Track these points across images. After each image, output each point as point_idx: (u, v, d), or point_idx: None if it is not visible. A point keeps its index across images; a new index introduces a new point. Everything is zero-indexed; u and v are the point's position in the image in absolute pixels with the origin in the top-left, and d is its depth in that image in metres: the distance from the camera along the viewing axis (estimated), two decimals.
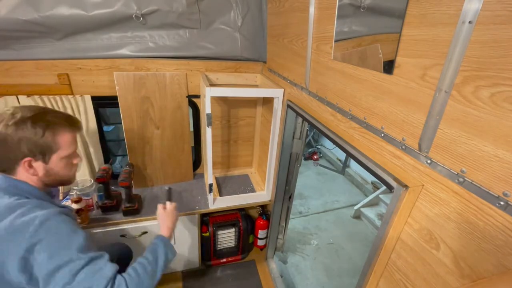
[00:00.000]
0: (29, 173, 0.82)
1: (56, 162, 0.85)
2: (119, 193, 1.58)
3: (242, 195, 1.79)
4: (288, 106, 1.34)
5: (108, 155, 1.75)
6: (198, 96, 1.71)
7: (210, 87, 1.29)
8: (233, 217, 1.82)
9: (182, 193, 1.74)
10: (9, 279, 0.71)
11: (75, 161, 0.92)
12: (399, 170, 0.70)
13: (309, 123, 1.14)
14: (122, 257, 1.21)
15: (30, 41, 1.34)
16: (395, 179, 0.68)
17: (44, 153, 0.82)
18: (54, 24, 1.30)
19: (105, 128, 1.93)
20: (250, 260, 1.97)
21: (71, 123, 0.88)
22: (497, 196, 0.48)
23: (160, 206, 1.22)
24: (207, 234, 1.74)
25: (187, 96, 1.66)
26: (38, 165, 0.83)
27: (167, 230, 1.12)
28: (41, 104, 1.41)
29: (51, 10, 1.26)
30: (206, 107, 1.32)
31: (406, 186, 0.64)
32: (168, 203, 1.24)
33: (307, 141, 3.72)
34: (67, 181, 0.93)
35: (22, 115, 0.78)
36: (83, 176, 1.63)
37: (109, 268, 0.77)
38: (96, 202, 1.52)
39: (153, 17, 1.41)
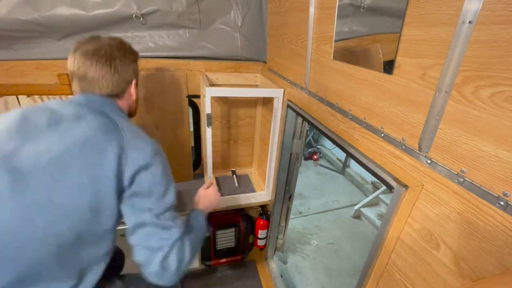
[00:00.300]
0: (131, 97, 0.89)
1: (136, 90, 0.93)
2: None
3: (242, 195, 1.79)
4: (288, 106, 1.34)
5: None
6: (198, 96, 1.71)
7: (210, 87, 1.29)
8: (233, 217, 1.82)
9: (182, 193, 1.74)
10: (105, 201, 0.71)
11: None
12: (399, 170, 0.70)
13: (309, 123, 1.14)
14: (114, 262, 1.14)
15: (30, 41, 1.34)
16: (395, 179, 0.68)
17: (138, 77, 0.92)
18: (54, 24, 1.30)
19: None
20: (250, 260, 1.97)
21: None
22: (497, 196, 0.48)
23: (201, 188, 1.18)
24: (207, 234, 1.74)
25: (187, 96, 1.66)
26: (134, 89, 0.90)
27: (205, 208, 1.07)
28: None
29: (51, 10, 1.26)
30: (206, 107, 1.32)
31: (406, 186, 0.64)
32: (211, 183, 1.19)
33: (307, 141, 3.72)
34: (134, 113, 0.98)
35: (120, 41, 0.87)
36: None
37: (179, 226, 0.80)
38: None
39: (153, 17, 1.41)
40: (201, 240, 0.95)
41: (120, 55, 0.83)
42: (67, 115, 0.73)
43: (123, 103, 0.88)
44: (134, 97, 0.91)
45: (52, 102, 0.79)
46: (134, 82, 0.89)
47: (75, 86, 0.82)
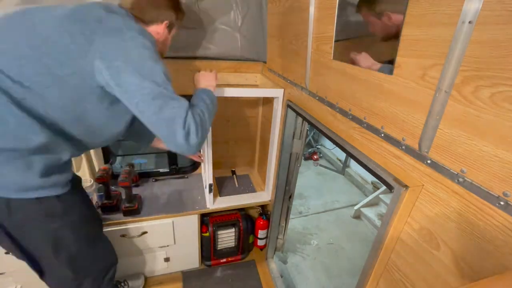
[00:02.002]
0: (158, 33, 1.01)
1: (171, 37, 1.10)
2: (119, 193, 1.58)
3: (242, 195, 1.79)
4: (288, 106, 1.34)
5: (108, 155, 1.75)
6: None
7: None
8: (233, 217, 1.82)
9: (182, 193, 1.74)
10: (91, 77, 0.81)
11: (168, 43, 1.12)
12: (399, 170, 0.70)
13: (309, 123, 1.14)
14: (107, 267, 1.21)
15: None
16: (395, 179, 0.68)
17: (173, 25, 1.06)
18: None
19: None
20: (250, 260, 1.97)
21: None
22: (497, 196, 0.48)
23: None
24: (207, 234, 1.74)
25: (187, 96, 1.66)
26: (165, 32, 1.04)
27: (206, 86, 1.12)
28: None
29: None
30: None
31: (406, 186, 0.64)
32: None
33: (307, 141, 3.72)
34: (162, 56, 1.08)
35: None
36: (83, 176, 1.63)
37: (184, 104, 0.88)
38: (96, 202, 1.52)
39: None
40: (214, 109, 1.04)
41: None
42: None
43: (149, 31, 0.95)
44: (161, 37, 1.03)
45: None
46: (165, 23, 1.02)
47: None
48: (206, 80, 1.13)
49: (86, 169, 1.62)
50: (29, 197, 0.86)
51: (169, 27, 1.04)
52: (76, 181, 1.05)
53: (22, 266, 1.36)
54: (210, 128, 0.95)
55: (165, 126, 0.84)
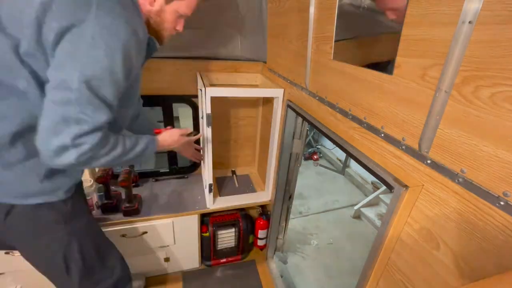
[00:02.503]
0: (154, 2, 0.84)
1: (171, 11, 0.88)
2: (119, 193, 1.58)
3: (242, 195, 1.79)
4: (288, 106, 1.34)
5: None
6: (197, 96, 1.71)
7: (210, 87, 1.29)
8: (233, 217, 1.82)
9: (182, 193, 1.74)
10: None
11: (178, 27, 0.95)
12: (399, 170, 0.70)
13: (309, 123, 1.14)
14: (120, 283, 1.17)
15: None
16: (395, 179, 0.68)
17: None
18: None
19: None
20: (250, 260, 1.97)
21: None
22: (497, 196, 0.48)
23: (185, 130, 1.20)
24: (207, 234, 1.74)
25: (187, 96, 1.66)
26: (160, 1, 0.85)
27: (163, 142, 1.05)
28: None
29: None
30: (206, 107, 1.32)
31: (406, 186, 0.64)
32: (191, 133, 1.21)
33: (307, 141, 3.72)
34: (161, 37, 0.94)
35: None
36: (83, 176, 1.63)
37: (100, 116, 0.73)
38: (96, 202, 1.52)
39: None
40: (133, 159, 0.90)
41: None
42: None
43: (143, 2, 0.83)
44: (153, 6, 0.85)
45: None
46: None
47: None
48: (169, 140, 1.09)
49: (86, 169, 1.62)
50: (30, 203, 0.82)
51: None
52: (80, 185, 1.02)
53: (22, 266, 1.36)
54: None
55: (54, 121, 0.68)
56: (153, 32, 0.91)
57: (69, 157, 0.70)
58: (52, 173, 0.83)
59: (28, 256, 0.95)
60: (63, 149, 0.69)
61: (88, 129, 0.71)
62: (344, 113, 0.91)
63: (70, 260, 0.95)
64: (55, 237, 0.90)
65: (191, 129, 1.31)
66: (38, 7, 0.66)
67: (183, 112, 2.23)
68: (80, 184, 1.02)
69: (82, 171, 0.96)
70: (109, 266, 1.10)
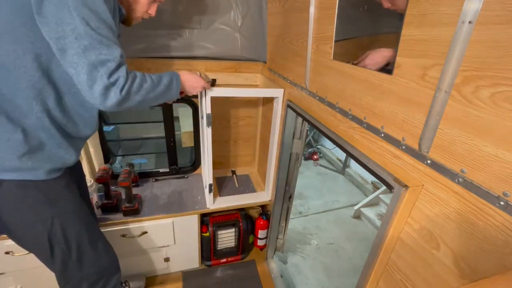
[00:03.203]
0: None
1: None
2: (119, 193, 1.58)
3: (242, 195, 1.79)
4: (288, 106, 1.34)
5: (108, 155, 1.75)
6: (197, 96, 1.71)
7: (211, 87, 1.29)
8: (233, 217, 1.82)
9: (182, 193, 1.74)
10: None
11: (151, 10, 0.97)
12: (399, 170, 0.70)
13: (309, 123, 1.14)
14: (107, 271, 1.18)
15: None
16: (395, 179, 0.68)
17: None
18: None
19: (105, 128, 1.93)
20: (250, 260, 1.97)
21: None
22: (497, 196, 0.48)
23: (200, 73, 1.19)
24: (207, 234, 1.74)
25: (187, 96, 1.66)
26: None
27: (184, 75, 1.06)
28: None
29: None
30: (206, 107, 1.32)
31: (406, 186, 0.64)
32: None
33: (307, 141, 3.72)
34: (130, 18, 0.95)
35: None
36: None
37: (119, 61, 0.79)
38: (96, 202, 1.52)
39: (153, 16, 1.40)
40: (160, 91, 0.93)
41: None
42: None
43: None
44: None
45: None
46: None
47: None
48: (191, 79, 1.08)
49: (86, 169, 1.62)
50: (7, 178, 0.84)
51: None
52: (76, 172, 1.00)
53: (22, 266, 1.37)
54: (144, 103, 0.88)
55: (86, 71, 0.74)
56: (125, 9, 0.92)
57: (115, 95, 0.78)
58: (31, 151, 0.84)
59: (16, 233, 0.95)
60: (106, 89, 0.77)
61: (113, 65, 0.77)
62: (344, 113, 0.91)
63: (54, 242, 0.96)
64: (39, 217, 0.91)
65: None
66: None
67: (183, 112, 2.23)
68: (75, 170, 1.02)
69: (70, 155, 0.94)
70: (95, 255, 1.10)
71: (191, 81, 1.08)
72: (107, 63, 0.76)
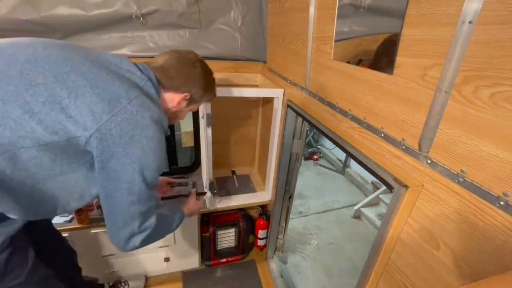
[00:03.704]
0: (173, 101, 0.92)
1: (187, 110, 1.01)
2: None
3: (242, 195, 1.79)
4: (288, 106, 1.34)
5: None
6: None
7: None
8: (233, 217, 1.82)
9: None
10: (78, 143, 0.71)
11: (182, 116, 1.05)
12: (399, 170, 0.70)
13: (309, 123, 1.14)
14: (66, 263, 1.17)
15: None
16: (395, 179, 0.68)
17: (193, 101, 0.98)
18: (54, 24, 1.30)
19: None
20: (250, 260, 1.97)
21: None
22: (497, 196, 0.48)
23: (194, 194, 1.35)
24: (207, 234, 1.74)
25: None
26: (182, 103, 0.95)
27: (188, 212, 1.25)
28: None
29: (51, 10, 1.26)
30: (206, 107, 1.32)
31: (406, 186, 0.64)
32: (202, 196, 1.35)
33: (307, 141, 3.72)
34: (170, 124, 1.01)
35: (208, 69, 1.01)
36: None
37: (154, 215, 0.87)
38: (96, 202, 1.52)
39: (153, 17, 1.41)
40: (173, 230, 1.06)
41: (201, 72, 0.96)
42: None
43: (164, 97, 0.91)
44: (174, 107, 0.94)
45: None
46: (185, 95, 0.93)
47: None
48: (193, 210, 1.28)
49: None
50: None
51: (189, 101, 0.96)
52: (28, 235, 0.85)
53: None
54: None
55: (123, 218, 0.79)
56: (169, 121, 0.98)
57: (135, 242, 0.83)
58: None
59: None
60: (132, 236, 0.82)
61: (146, 216, 0.83)
62: (344, 113, 0.91)
63: None
64: None
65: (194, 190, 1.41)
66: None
67: None
68: (27, 233, 0.85)
69: (19, 223, 0.79)
70: None
71: (192, 213, 1.28)
72: (143, 215, 0.81)
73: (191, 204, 1.29)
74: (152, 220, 0.85)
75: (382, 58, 0.73)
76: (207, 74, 0.99)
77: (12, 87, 0.65)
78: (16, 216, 0.74)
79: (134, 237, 0.82)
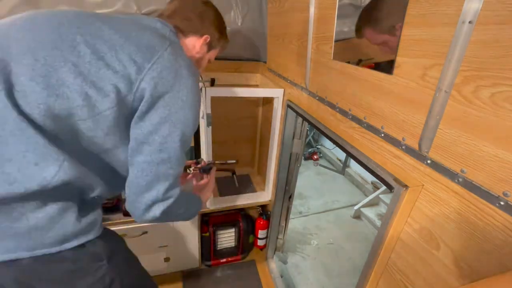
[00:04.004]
0: (195, 47, 0.89)
1: (207, 58, 0.98)
2: (119, 193, 1.58)
3: (242, 195, 1.79)
4: (288, 106, 1.34)
5: None
6: None
7: (210, 87, 1.29)
8: (233, 217, 1.82)
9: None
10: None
11: (204, 64, 1.01)
12: (399, 170, 0.70)
13: (309, 123, 1.14)
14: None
15: None
16: (395, 179, 0.68)
17: (212, 45, 0.95)
18: None
19: None
20: (250, 260, 1.97)
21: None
22: (497, 196, 0.48)
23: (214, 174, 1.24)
24: (207, 234, 1.74)
25: None
26: (203, 48, 0.91)
27: (205, 197, 1.13)
28: None
29: None
30: (206, 107, 1.32)
31: (406, 186, 0.64)
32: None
33: (307, 141, 3.72)
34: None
35: (217, 9, 0.95)
36: None
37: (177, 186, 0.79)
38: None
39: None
40: (191, 215, 0.95)
41: (215, 11, 0.93)
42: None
43: (186, 44, 0.88)
44: (197, 53, 0.91)
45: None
46: (205, 37, 0.89)
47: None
48: (208, 192, 1.16)
49: None
50: (67, 247, 0.70)
51: (208, 45, 0.93)
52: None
53: None
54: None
55: (147, 179, 0.71)
56: None
57: (155, 211, 0.74)
58: (86, 208, 0.74)
59: None
60: (154, 203, 0.73)
61: (173, 182, 0.75)
62: (344, 113, 0.91)
63: None
64: (96, 280, 0.77)
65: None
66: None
67: None
68: None
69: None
70: None
71: (207, 197, 1.16)
72: (170, 178, 0.74)
73: (209, 191, 1.16)
74: (177, 190, 0.77)
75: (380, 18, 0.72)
76: (219, 15, 0.95)
77: (57, 51, 0.61)
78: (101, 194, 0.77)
79: (156, 204, 0.73)
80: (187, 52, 0.87)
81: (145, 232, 1.51)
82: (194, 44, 0.89)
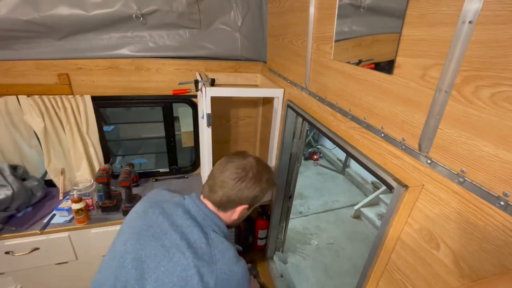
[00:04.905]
0: (233, 215, 0.89)
1: (247, 213, 0.95)
2: (119, 193, 1.58)
3: None
4: (288, 106, 1.34)
5: (108, 155, 1.75)
6: (197, 96, 1.71)
7: (210, 87, 1.29)
8: None
9: (182, 193, 1.74)
10: None
11: (243, 217, 0.98)
12: (399, 170, 0.70)
13: (309, 123, 1.14)
14: None
15: (30, 41, 1.34)
16: (395, 179, 0.68)
17: (253, 204, 0.90)
18: (54, 24, 1.30)
19: (105, 128, 1.93)
20: (250, 260, 1.97)
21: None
22: (497, 196, 0.48)
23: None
24: None
25: (187, 96, 1.66)
26: (244, 213, 0.90)
27: None
28: (41, 104, 1.41)
29: (51, 10, 1.26)
30: (206, 107, 1.32)
31: (406, 186, 0.64)
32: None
33: (307, 141, 3.72)
34: (230, 227, 0.99)
35: (261, 171, 0.87)
36: (83, 176, 1.63)
37: None
38: (96, 202, 1.52)
39: (153, 17, 1.41)
40: None
41: (254, 178, 0.85)
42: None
43: (224, 216, 0.89)
44: (235, 217, 0.90)
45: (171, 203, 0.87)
46: (244, 207, 0.87)
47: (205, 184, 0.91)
48: None
49: (86, 169, 1.63)
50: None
51: (249, 207, 0.91)
52: None
53: (22, 266, 1.37)
54: None
55: None
56: (229, 226, 0.97)
57: None
58: None
59: None
60: None
61: None
62: (344, 113, 0.91)
63: None
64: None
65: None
66: None
67: (183, 112, 2.23)
68: None
69: None
70: None
71: None
72: None
73: None
74: None
75: None
76: (261, 180, 0.87)
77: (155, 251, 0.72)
78: None
79: None
80: (225, 220, 0.91)
81: None
82: (232, 214, 0.90)
